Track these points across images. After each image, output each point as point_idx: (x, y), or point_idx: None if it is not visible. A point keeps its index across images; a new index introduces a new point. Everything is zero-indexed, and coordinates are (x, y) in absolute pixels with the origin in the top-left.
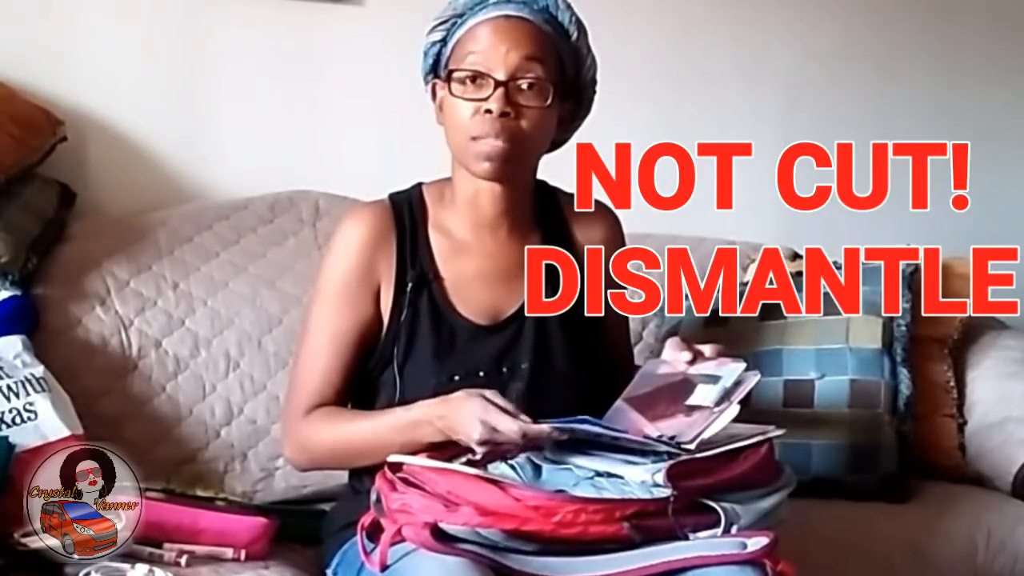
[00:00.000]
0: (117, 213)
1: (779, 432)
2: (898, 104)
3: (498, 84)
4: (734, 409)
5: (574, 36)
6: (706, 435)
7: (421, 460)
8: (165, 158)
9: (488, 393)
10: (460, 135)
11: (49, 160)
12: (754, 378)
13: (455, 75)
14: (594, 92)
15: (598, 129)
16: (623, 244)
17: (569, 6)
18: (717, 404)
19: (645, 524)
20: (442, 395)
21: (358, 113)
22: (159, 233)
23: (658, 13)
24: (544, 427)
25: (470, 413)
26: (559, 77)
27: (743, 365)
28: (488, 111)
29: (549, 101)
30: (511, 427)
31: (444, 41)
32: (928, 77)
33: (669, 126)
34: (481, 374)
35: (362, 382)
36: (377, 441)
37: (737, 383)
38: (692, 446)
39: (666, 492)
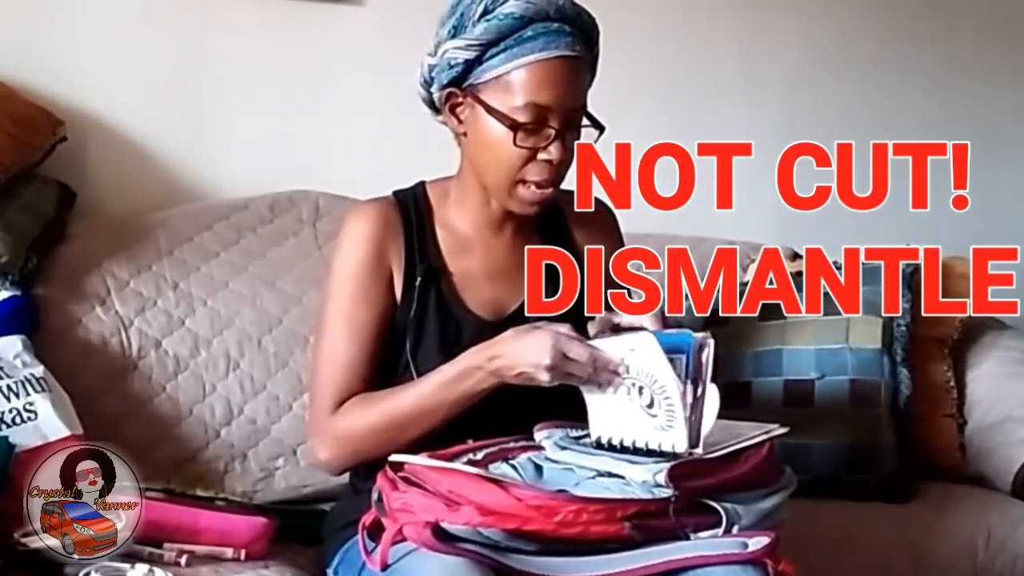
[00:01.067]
0: (117, 213)
1: (782, 430)
2: (898, 104)
3: (558, 134)
4: (714, 390)
5: (597, 52)
6: (705, 430)
7: (423, 460)
8: (165, 158)
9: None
10: (506, 176)
11: (49, 160)
12: (710, 342)
13: (521, 125)
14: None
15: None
16: (622, 244)
17: (594, 19)
18: (692, 387)
19: (646, 524)
20: None
21: (358, 113)
22: (159, 233)
23: (659, 14)
24: (613, 356)
25: (540, 340)
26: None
27: (687, 333)
28: (548, 161)
29: (590, 138)
30: (583, 352)
31: (479, 61)
32: (928, 77)
33: (669, 126)
34: None
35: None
36: (424, 405)
37: (698, 353)
38: (700, 449)
39: (667, 492)
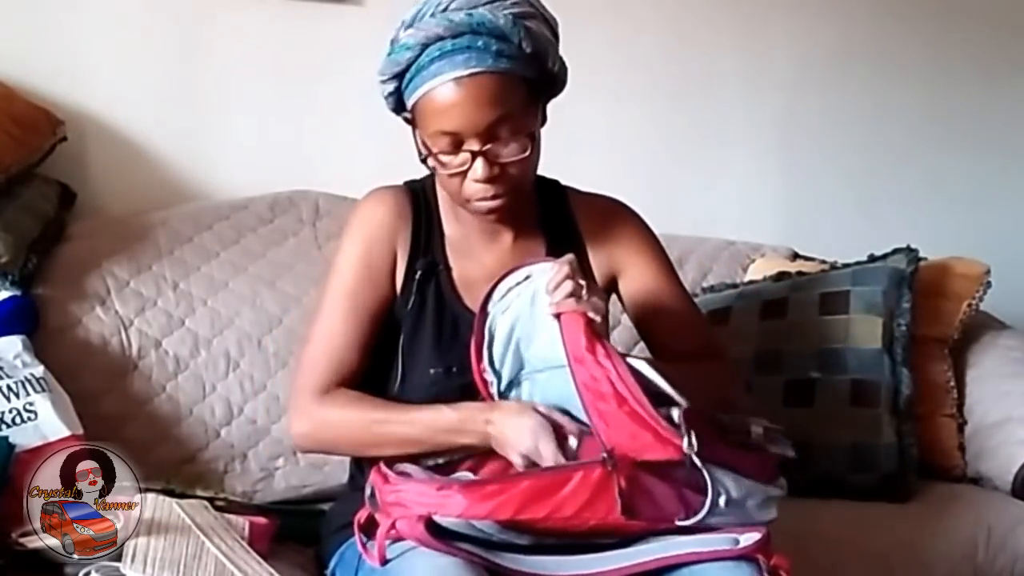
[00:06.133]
0: (117, 213)
1: (790, 454)
2: (897, 105)
3: (475, 155)
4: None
5: (528, 48)
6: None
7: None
8: (165, 158)
9: (542, 409)
10: (453, 193)
11: (49, 160)
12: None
13: (432, 151)
14: (565, 73)
15: (599, 129)
16: (652, 236)
17: (514, 17)
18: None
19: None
20: (440, 385)
21: (358, 113)
22: (159, 233)
23: (660, 16)
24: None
25: (523, 431)
26: (530, 100)
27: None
28: (476, 180)
29: (529, 150)
30: (550, 457)
31: (399, 89)
32: (927, 79)
33: (670, 127)
34: None
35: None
36: (410, 435)
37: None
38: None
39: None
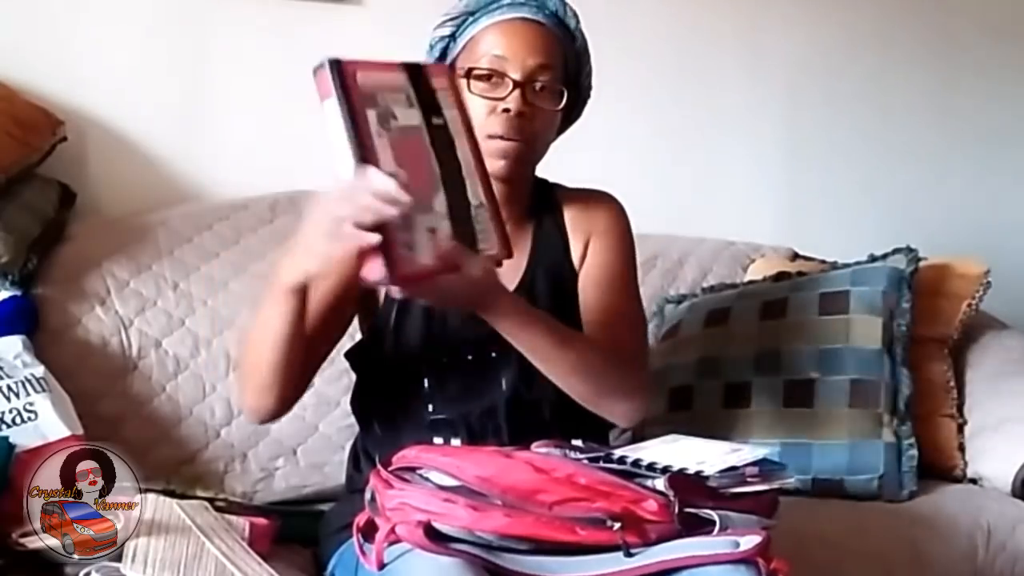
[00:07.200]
0: (117, 213)
1: (790, 481)
2: (899, 105)
3: (516, 84)
4: (745, 489)
5: (578, 42)
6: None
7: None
8: (165, 158)
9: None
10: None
11: (49, 160)
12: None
13: (474, 73)
14: (588, 96)
15: (599, 127)
16: (627, 230)
17: (574, 13)
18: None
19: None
20: (434, 375)
21: None
22: (159, 233)
23: (660, 12)
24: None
25: (311, 216)
26: (565, 80)
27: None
28: (506, 110)
29: (561, 104)
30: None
31: (453, 37)
32: (929, 77)
33: (669, 125)
34: (469, 357)
35: (360, 365)
36: (263, 311)
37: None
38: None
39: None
